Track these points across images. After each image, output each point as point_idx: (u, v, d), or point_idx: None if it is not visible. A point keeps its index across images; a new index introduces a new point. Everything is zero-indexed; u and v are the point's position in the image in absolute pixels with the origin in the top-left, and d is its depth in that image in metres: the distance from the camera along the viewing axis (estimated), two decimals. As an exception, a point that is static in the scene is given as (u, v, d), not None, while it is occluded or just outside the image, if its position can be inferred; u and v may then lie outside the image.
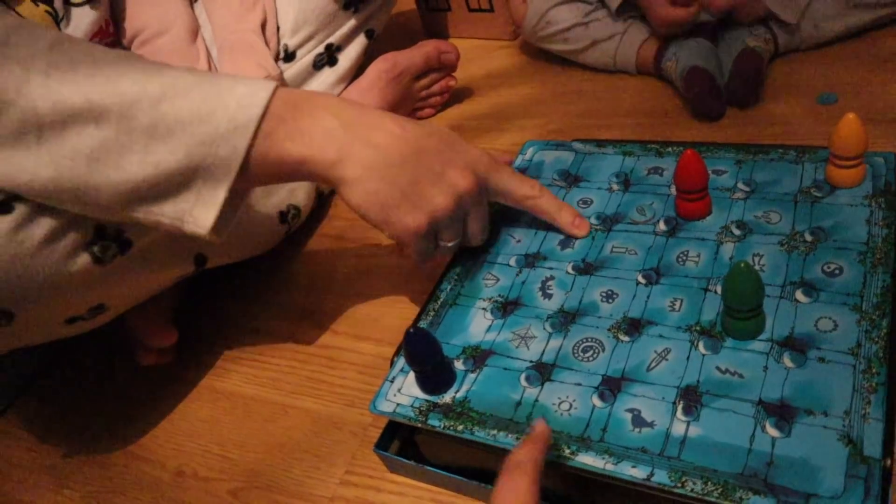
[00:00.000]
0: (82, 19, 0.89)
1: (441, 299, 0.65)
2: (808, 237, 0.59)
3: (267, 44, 0.96)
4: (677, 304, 0.57)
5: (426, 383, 0.57)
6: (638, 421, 0.50)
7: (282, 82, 0.92)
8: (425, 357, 0.55)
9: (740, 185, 0.66)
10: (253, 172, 0.56)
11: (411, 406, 0.56)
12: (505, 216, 0.71)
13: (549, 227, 0.68)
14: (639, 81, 1.02)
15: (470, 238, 0.65)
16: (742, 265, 0.49)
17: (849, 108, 0.59)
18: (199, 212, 0.55)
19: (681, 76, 0.90)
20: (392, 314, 0.78)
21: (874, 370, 0.48)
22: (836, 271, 0.56)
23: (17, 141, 0.51)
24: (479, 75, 1.18)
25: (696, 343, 0.54)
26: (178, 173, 0.53)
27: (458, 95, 1.13)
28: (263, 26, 0.97)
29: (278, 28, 0.98)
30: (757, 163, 0.67)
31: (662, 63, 0.96)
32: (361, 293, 0.82)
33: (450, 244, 0.64)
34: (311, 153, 0.57)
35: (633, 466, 0.48)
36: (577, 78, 1.07)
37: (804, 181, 0.64)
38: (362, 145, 0.57)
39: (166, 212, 0.55)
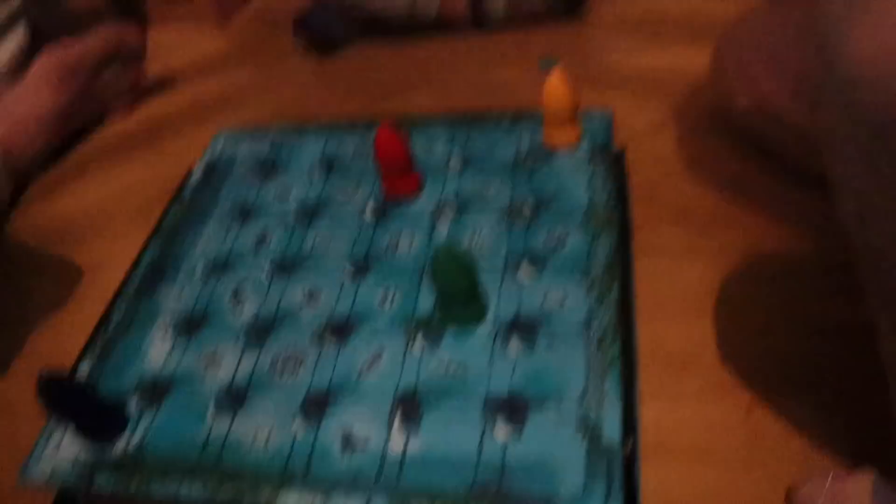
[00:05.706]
0: None
1: (113, 324, 0.52)
2: (529, 207, 0.53)
3: None
4: (390, 296, 0.49)
5: (89, 434, 0.44)
6: (348, 443, 0.41)
7: None
8: (69, 409, 0.42)
9: (454, 158, 0.59)
10: None
11: (72, 463, 0.43)
12: (192, 213, 0.59)
13: (243, 225, 0.58)
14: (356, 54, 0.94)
15: None
16: (443, 248, 0.42)
17: (568, 71, 0.55)
18: None
19: None
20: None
21: (608, 341, 0.43)
22: (561, 239, 0.50)
23: None
24: (181, 65, 1.04)
25: (412, 339, 0.46)
26: None
27: (156, 90, 0.98)
28: None
29: None
30: (471, 133, 0.61)
31: None
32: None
33: None
34: None
35: (346, 500, 0.38)
36: (293, 61, 0.97)
37: (521, 148, 0.58)
38: None
39: None
